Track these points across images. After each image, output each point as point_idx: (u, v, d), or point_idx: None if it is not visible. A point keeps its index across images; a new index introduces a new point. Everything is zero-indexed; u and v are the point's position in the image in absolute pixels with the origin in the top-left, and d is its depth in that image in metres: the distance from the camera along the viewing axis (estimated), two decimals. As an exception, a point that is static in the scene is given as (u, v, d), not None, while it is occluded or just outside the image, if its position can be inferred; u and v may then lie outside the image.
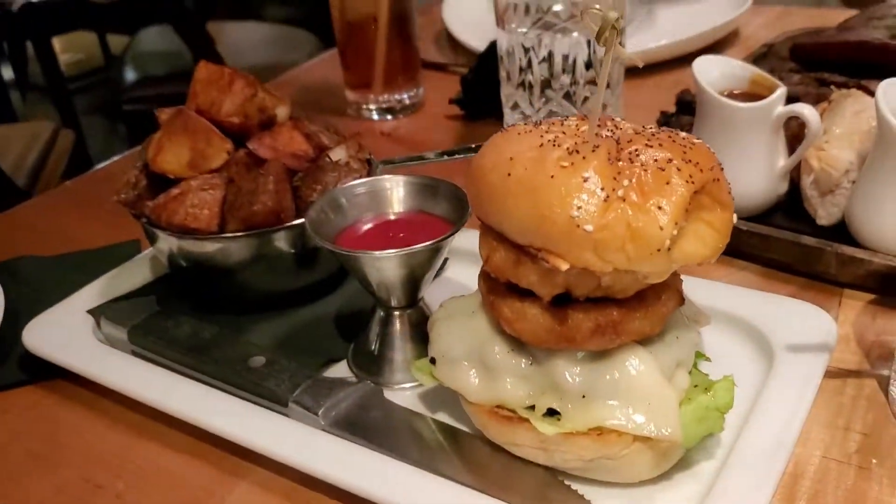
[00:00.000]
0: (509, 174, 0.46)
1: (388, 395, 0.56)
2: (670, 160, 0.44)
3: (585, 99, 0.86)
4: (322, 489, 0.51)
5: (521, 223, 0.45)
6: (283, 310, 0.65)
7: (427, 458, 0.51)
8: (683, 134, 0.48)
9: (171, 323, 0.61)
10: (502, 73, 0.88)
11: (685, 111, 0.86)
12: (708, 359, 0.53)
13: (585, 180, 0.43)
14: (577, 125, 0.49)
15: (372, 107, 1.03)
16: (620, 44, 0.46)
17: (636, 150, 0.45)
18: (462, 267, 0.66)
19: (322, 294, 0.67)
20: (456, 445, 0.52)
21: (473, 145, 0.72)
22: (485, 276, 0.51)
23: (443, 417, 0.55)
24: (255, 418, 0.54)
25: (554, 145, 0.46)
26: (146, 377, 0.59)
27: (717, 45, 1.12)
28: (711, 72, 0.71)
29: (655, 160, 0.44)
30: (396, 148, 0.96)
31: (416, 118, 1.04)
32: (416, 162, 0.72)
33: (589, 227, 0.42)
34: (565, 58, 0.83)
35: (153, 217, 0.60)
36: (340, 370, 0.60)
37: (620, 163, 0.44)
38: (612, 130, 0.48)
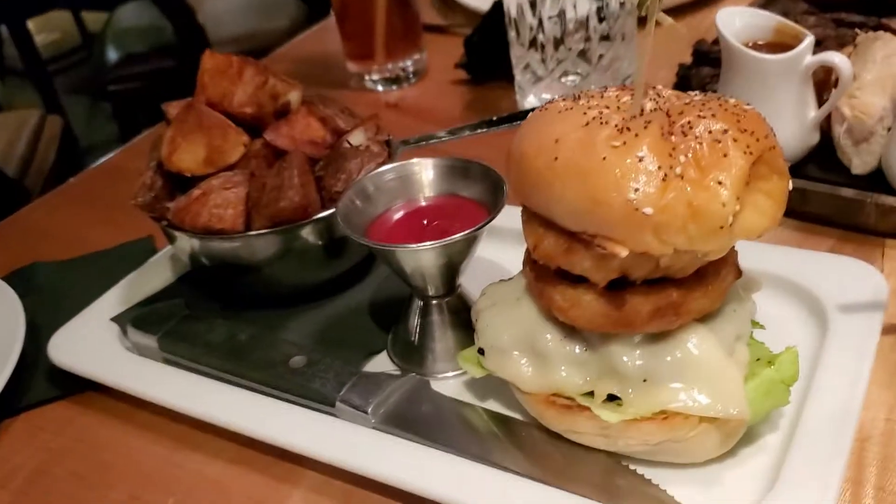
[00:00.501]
0: (556, 158, 0.43)
1: (433, 385, 0.55)
2: (725, 131, 0.42)
3: (601, 57, 0.83)
4: (379, 489, 0.50)
5: (572, 209, 0.43)
6: (315, 302, 0.64)
7: (484, 450, 0.49)
8: (733, 100, 0.46)
9: (203, 327, 0.59)
10: (511, 34, 0.85)
11: (703, 62, 0.83)
12: (762, 326, 0.52)
13: (640, 160, 0.41)
14: (617, 96, 0.47)
15: (375, 77, 1.00)
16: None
17: (689, 122, 0.43)
18: (495, 245, 0.63)
19: (353, 283, 0.65)
20: (512, 435, 0.51)
21: (495, 117, 0.69)
22: (531, 263, 0.49)
23: (492, 406, 0.54)
24: (303, 421, 0.53)
25: (601, 123, 0.43)
26: (183, 386, 0.57)
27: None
28: (734, 23, 0.69)
29: (710, 132, 0.42)
30: (405, 119, 0.94)
31: (422, 86, 1.01)
32: (436, 140, 0.69)
33: (648, 210, 0.41)
34: (576, 14, 0.80)
35: (175, 220, 0.58)
36: (381, 362, 0.59)
37: (674, 137, 0.42)
38: (655, 100, 0.46)
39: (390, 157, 0.63)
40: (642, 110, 0.45)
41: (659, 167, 0.41)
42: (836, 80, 0.64)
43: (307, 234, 0.59)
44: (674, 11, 1.02)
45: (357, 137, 0.64)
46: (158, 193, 0.61)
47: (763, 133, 0.44)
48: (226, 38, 2.41)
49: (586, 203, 0.42)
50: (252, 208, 0.58)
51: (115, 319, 0.63)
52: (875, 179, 0.65)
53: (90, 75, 3.52)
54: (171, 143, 0.61)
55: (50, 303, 0.70)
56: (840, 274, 0.56)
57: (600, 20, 0.81)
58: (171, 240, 0.62)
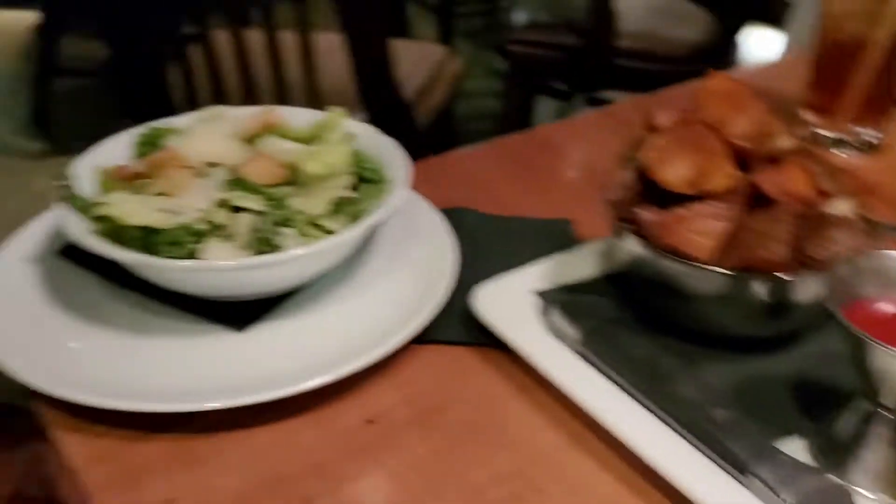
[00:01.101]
0: None
1: (858, 499, 0.51)
2: None
3: None
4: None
5: None
6: (736, 353, 0.61)
7: None
8: None
9: (626, 338, 0.59)
10: None
11: None
12: None
13: None
14: None
15: (829, 134, 0.93)
16: None
17: None
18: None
19: (782, 347, 0.62)
20: None
21: None
22: None
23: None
24: (710, 475, 0.51)
25: None
26: (595, 385, 0.57)
27: None
28: None
29: None
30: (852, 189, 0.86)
31: (874, 160, 0.93)
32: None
33: None
34: None
35: (647, 229, 0.58)
36: (795, 450, 0.55)
37: None
38: None
39: (873, 238, 0.59)
40: None
41: None
42: None
43: (766, 289, 0.56)
44: None
45: (841, 207, 0.60)
46: (630, 196, 0.61)
47: None
48: (630, 31, 2.40)
49: None
50: (728, 246, 0.56)
51: (540, 294, 0.65)
52: None
53: (486, 26, 3.72)
54: (661, 154, 0.60)
55: (471, 250, 0.73)
56: None
57: None
58: (622, 240, 0.62)
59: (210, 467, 0.54)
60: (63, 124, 3.09)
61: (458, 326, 0.66)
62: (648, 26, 2.45)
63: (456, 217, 0.77)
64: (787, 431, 0.55)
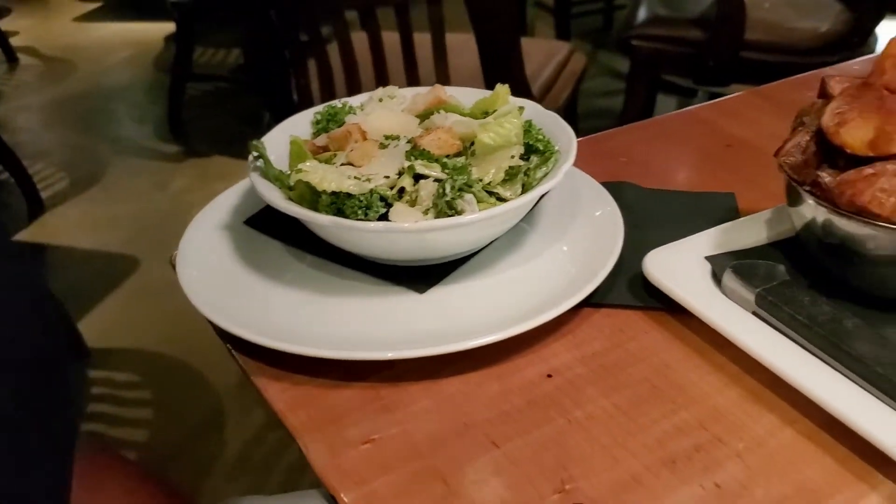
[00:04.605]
0: None
1: None
2: None
3: None
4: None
5: None
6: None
7: None
8: None
9: (806, 298, 0.60)
10: None
11: None
12: None
13: None
14: None
15: None
16: None
17: None
18: None
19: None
20: None
21: None
22: None
23: None
24: (898, 426, 0.51)
25: None
26: (773, 342, 0.58)
27: None
28: None
29: None
30: None
31: None
32: None
33: None
34: None
35: (831, 189, 0.58)
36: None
37: None
38: None
39: None
40: None
41: None
42: None
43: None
44: None
45: None
46: (809, 159, 0.61)
47: None
48: (757, 22, 2.35)
49: None
50: (915, 204, 0.56)
51: (710, 259, 0.66)
52: None
53: (603, 25, 3.71)
54: (840, 116, 0.60)
55: (635, 220, 0.74)
56: None
57: None
58: (798, 204, 0.63)
59: (403, 412, 0.58)
60: (196, 128, 3.27)
61: (627, 292, 0.68)
62: (777, 17, 2.39)
63: (616, 190, 0.79)
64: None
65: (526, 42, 2.05)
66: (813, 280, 0.64)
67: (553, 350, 0.63)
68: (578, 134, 0.74)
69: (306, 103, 1.75)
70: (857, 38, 2.34)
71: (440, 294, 0.66)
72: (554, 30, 3.49)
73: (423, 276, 0.67)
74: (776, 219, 0.70)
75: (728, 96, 1.03)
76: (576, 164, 0.70)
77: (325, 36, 1.67)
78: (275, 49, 1.76)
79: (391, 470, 0.53)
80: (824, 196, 0.59)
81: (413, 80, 1.69)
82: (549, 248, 0.71)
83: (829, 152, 0.61)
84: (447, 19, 1.66)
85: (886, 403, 0.53)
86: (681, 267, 0.66)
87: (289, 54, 1.74)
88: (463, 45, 1.78)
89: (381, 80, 1.67)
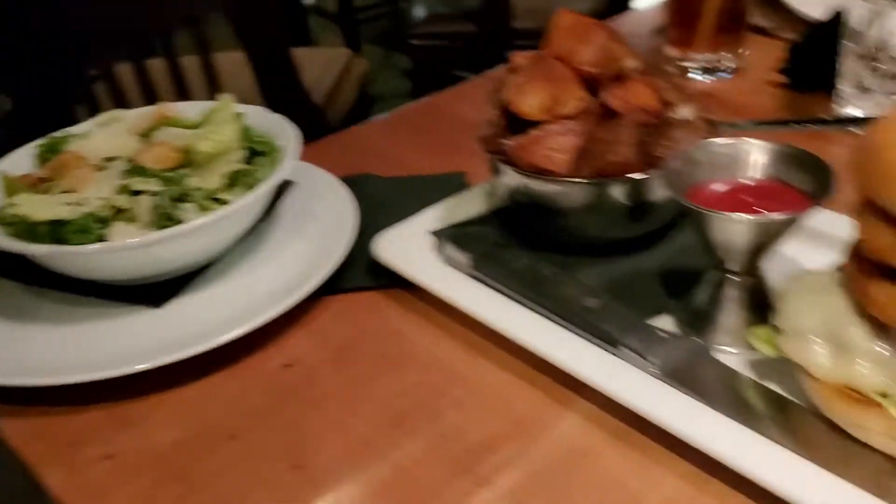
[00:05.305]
0: (914, 154, 0.44)
1: (719, 355, 0.58)
2: None
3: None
4: (651, 433, 0.53)
5: (921, 206, 0.44)
6: (609, 256, 0.68)
7: (757, 421, 0.51)
8: None
9: (510, 256, 0.65)
10: (847, 48, 0.83)
11: None
12: None
13: None
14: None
15: (692, 65, 1.01)
16: None
17: None
18: (814, 248, 0.64)
19: (646, 246, 0.69)
20: (789, 415, 0.52)
21: (827, 117, 0.69)
22: (855, 256, 0.50)
23: (775, 387, 0.55)
24: (590, 353, 0.57)
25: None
26: (486, 300, 0.63)
27: None
28: None
29: None
30: (717, 109, 0.93)
31: (737, 81, 1.01)
32: (765, 127, 0.70)
33: None
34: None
35: (512, 155, 0.64)
36: (663, 323, 0.62)
37: None
38: None
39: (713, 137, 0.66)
40: None
41: None
42: None
43: (624, 190, 0.63)
44: None
45: (684, 111, 0.67)
46: (497, 131, 0.68)
47: None
48: (526, 8, 2.48)
49: (938, 203, 0.43)
50: (581, 158, 0.63)
51: (434, 233, 0.71)
52: None
53: (391, 27, 3.78)
54: (517, 87, 0.67)
55: (373, 209, 0.79)
56: None
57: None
58: (498, 173, 0.69)
59: (145, 425, 0.59)
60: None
61: (365, 276, 0.72)
62: (543, 4, 2.54)
63: (358, 183, 0.83)
64: (655, 311, 0.62)
65: (303, 52, 2.08)
66: (521, 238, 0.71)
67: (293, 341, 0.65)
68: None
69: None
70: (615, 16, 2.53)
71: (181, 305, 0.68)
72: (343, 39, 3.53)
73: (161, 289, 0.68)
74: (492, 190, 0.76)
75: (464, 82, 1.10)
76: (321, 162, 0.73)
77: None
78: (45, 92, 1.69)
79: (132, 480, 0.54)
80: (509, 161, 0.65)
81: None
82: (290, 245, 0.74)
83: (515, 122, 0.67)
84: (225, 39, 1.65)
85: (582, 336, 0.59)
86: (408, 244, 0.71)
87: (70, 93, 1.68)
88: (241, 63, 1.78)
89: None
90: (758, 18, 1.13)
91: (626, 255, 0.68)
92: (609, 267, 0.67)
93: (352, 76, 2.24)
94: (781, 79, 0.98)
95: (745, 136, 0.61)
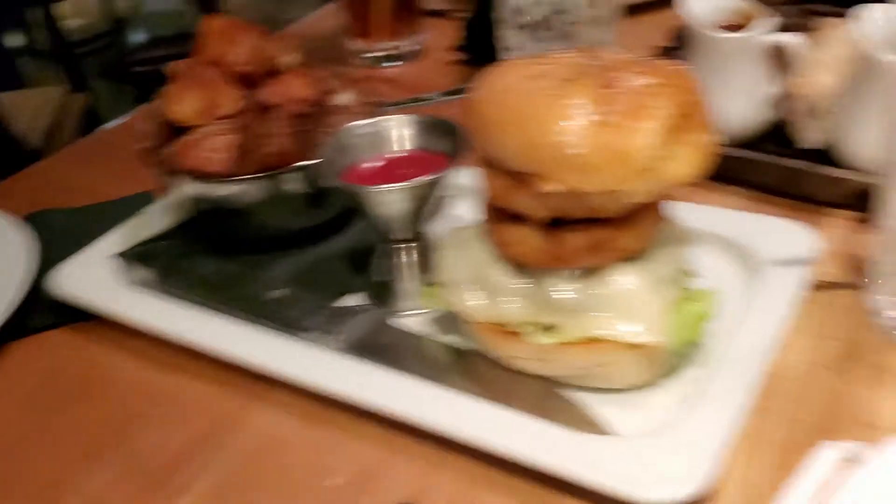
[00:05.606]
0: (503, 106, 0.49)
1: (400, 320, 0.61)
2: (653, 84, 0.47)
3: (584, 40, 0.88)
4: (339, 408, 0.55)
5: (515, 151, 0.48)
6: (297, 248, 0.69)
7: (434, 374, 0.55)
8: (668, 61, 0.51)
9: (196, 262, 0.65)
10: (498, 14, 0.90)
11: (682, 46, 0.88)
12: (695, 275, 0.57)
13: (572, 106, 0.46)
14: (571, 57, 0.52)
15: (373, 54, 1.05)
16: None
17: (624, 76, 0.48)
18: (466, 204, 0.68)
19: (334, 232, 0.71)
20: (462, 362, 0.57)
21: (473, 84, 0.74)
22: (489, 207, 0.54)
23: (450, 339, 0.59)
24: (274, 344, 0.58)
25: (545, 76, 0.49)
26: (173, 314, 0.63)
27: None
28: (703, 5, 0.73)
29: (640, 85, 0.47)
30: (399, 93, 0.99)
31: (419, 65, 1.06)
32: (421, 103, 0.75)
33: (575, 151, 0.46)
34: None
35: (170, 163, 0.64)
36: (354, 301, 0.64)
37: (608, 89, 0.47)
38: (600, 60, 0.51)
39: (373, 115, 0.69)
40: (585, 66, 0.50)
41: (590, 113, 0.46)
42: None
43: (290, 180, 0.65)
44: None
45: (343, 97, 0.70)
46: (158, 142, 0.67)
47: (691, 88, 0.49)
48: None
49: (525, 146, 0.48)
50: (241, 155, 0.63)
51: (119, 255, 0.69)
52: (822, 153, 0.70)
53: (116, 58, 3.60)
54: (171, 97, 0.66)
55: (61, 244, 0.75)
56: (775, 232, 0.62)
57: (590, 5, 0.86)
58: (170, 186, 0.68)
59: None
60: None
61: (50, 314, 0.68)
62: (266, 14, 2.52)
63: (41, 219, 0.79)
64: (341, 292, 0.64)
65: (11, 97, 1.94)
66: (210, 245, 0.70)
67: (-23, 396, 0.61)
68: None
69: None
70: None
71: None
72: (65, 77, 3.30)
73: None
74: (174, 203, 0.75)
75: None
76: (8, 204, 0.68)
77: None
78: None
79: None
80: (171, 170, 0.65)
81: None
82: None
83: (177, 131, 0.67)
84: None
85: (271, 328, 0.60)
86: (90, 273, 0.68)
87: None
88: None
89: None
90: (434, 2, 1.19)
91: (313, 244, 0.70)
92: (297, 258, 0.68)
93: (71, 113, 2.12)
94: (460, 56, 1.04)
95: (397, 114, 0.65)
